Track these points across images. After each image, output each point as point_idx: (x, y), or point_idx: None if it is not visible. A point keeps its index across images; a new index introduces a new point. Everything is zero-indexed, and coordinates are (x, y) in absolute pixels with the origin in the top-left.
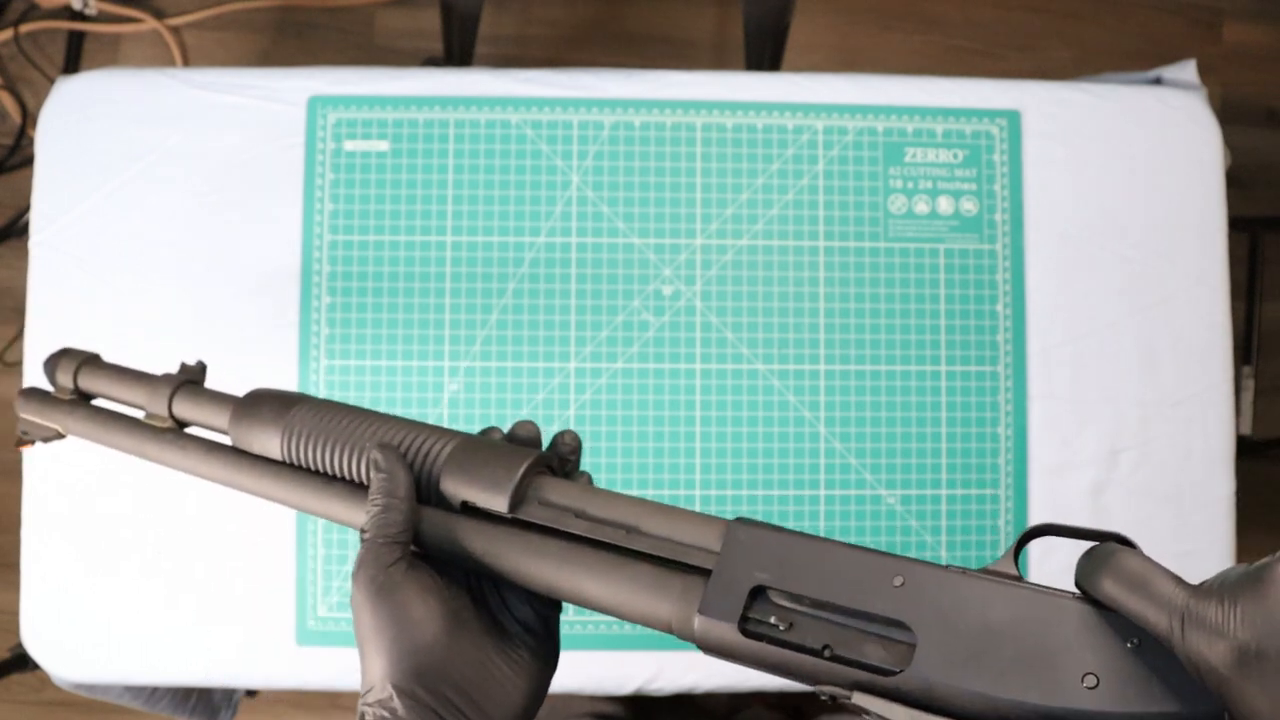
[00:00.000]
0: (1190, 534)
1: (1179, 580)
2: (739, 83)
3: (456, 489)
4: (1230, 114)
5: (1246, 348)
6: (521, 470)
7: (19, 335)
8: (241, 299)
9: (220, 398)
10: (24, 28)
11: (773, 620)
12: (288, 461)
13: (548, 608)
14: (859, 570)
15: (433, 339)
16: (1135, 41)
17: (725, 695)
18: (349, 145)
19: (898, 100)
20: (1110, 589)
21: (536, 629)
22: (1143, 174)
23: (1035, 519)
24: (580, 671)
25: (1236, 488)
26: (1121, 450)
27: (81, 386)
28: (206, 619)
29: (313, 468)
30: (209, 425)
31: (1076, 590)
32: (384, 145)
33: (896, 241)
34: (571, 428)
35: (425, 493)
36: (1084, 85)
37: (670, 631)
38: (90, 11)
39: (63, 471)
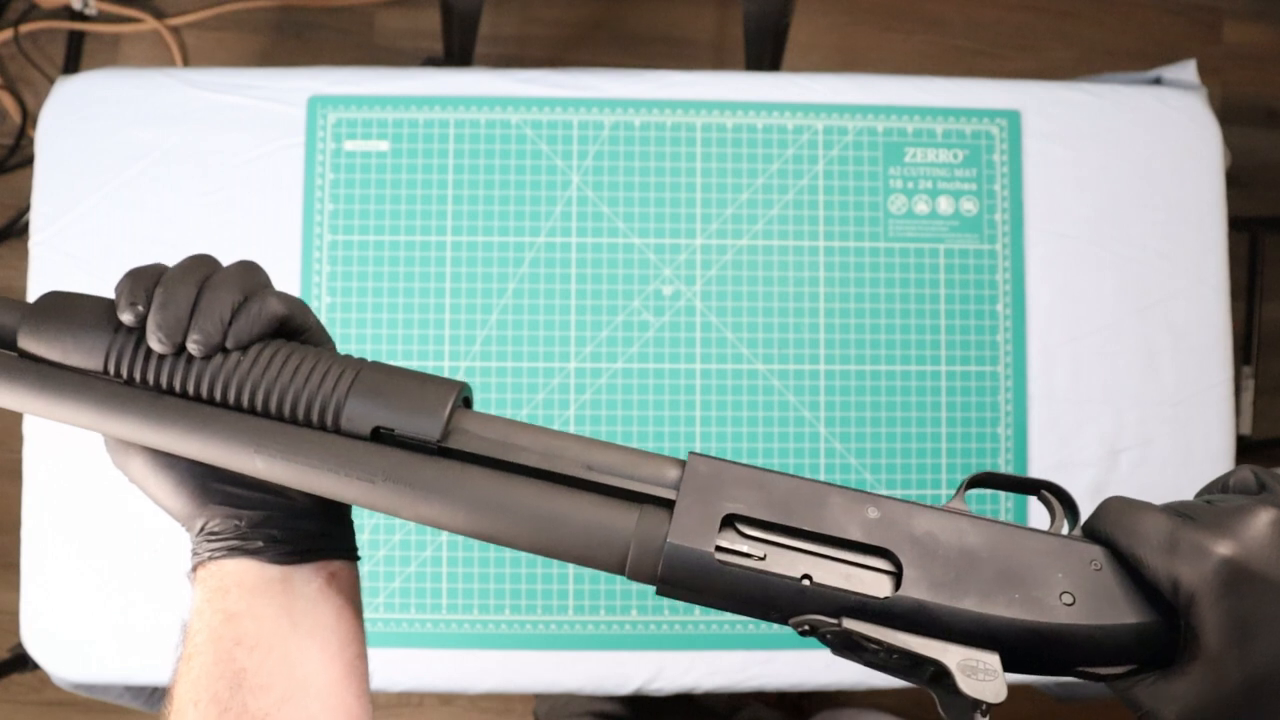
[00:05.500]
0: None
1: (1164, 511)
2: (739, 83)
3: (368, 413)
4: (1230, 114)
5: (1246, 348)
6: (454, 396)
7: None
8: None
9: None
10: (24, 28)
11: (746, 550)
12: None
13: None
14: (831, 502)
15: (433, 339)
16: (1135, 41)
17: (725, 695)
18: (349, 145)
19: (898, 100)
20: (1111, 531)
21: None
22: (1143, 174)
23: (1035, 519)
24: (580, 671)
25: None
26: (1121, 450)
27: None
28: None
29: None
30: None
31: (1036, 527)
32: (384, 145)
33: (896, 241)
34: (571, 428)
35: (321, 418)
36: (1084, 85)
37: (622, 569)
38: (90, 11)
39: (63, 471)
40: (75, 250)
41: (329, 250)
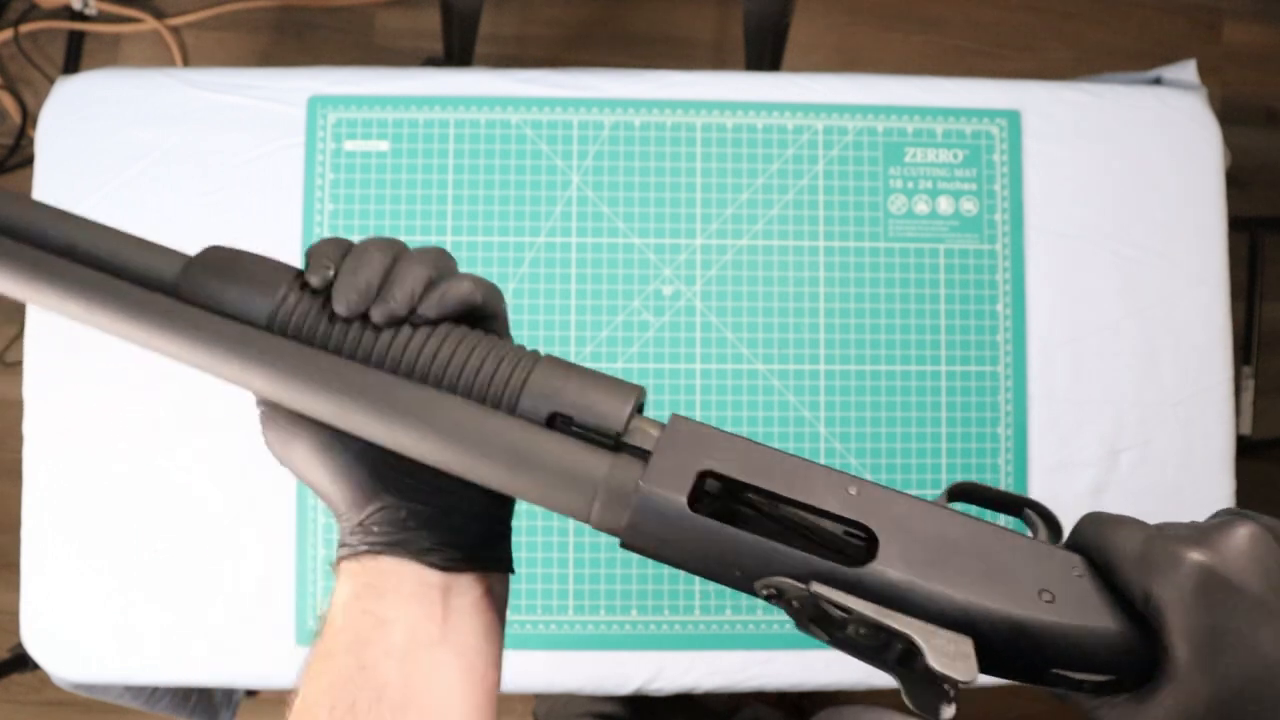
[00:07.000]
0: None
1: (1140, 524)
2: (739, 83)
3: (543, 402)
4: (1230, 114)
5: (1246, 348)
6: (636, 397)
7: (19, 335)
8: None
9: (153, 246)
10: (24, 28)
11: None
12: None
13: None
14: (811, 476)
15: None
16: (1135, 41)
17: (725, 695)
18: (349, 145)
19: (898, 100)
20: (1087, 543)
21: None
22: (1143, 174)
23: None
24: (580, 671)
25: (1236, 488)
26: (1121, 450)
27: None
28: (206, 619)
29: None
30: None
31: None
32: (384, 145)
33: (896, 241)
34: None
35: (496, 398)
36: (1084, 85)
37: (587, 514)
38: (90, 11)
39: (63, 471)
40: None
41: None
